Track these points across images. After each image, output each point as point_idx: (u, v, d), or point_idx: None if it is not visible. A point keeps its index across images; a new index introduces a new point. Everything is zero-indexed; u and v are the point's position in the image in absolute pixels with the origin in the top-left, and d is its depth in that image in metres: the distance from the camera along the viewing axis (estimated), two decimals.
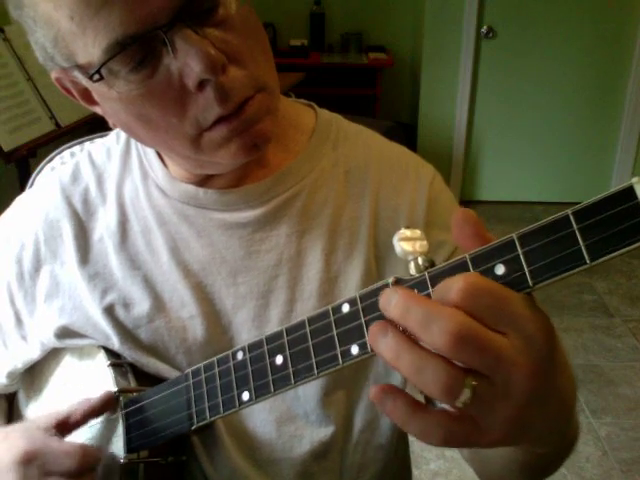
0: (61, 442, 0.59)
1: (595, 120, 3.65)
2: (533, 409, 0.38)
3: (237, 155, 0.59)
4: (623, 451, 2.10)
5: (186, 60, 0.52)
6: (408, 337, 0.38)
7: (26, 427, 0.61)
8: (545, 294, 2.95)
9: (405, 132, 3.68)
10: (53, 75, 0.60)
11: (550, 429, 0.43)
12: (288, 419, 0.66)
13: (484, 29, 3.52)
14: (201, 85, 0.53)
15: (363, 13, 4.00)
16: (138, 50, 0.52)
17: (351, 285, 0.66)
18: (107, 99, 0.58)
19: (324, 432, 0.66)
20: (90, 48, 0.52)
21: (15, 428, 0.62)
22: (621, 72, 3.54)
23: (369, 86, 3.85)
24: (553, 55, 3.53)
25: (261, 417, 0.66)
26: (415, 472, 1.93)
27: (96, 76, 0.54)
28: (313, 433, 0.66)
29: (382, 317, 0.43)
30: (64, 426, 0.61)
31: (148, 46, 0.52)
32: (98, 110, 0.62)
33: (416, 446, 2.09)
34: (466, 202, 3.88)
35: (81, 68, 0.55)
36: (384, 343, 0.38)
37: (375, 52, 3.89)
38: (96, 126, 0.59)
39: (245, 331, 0.66)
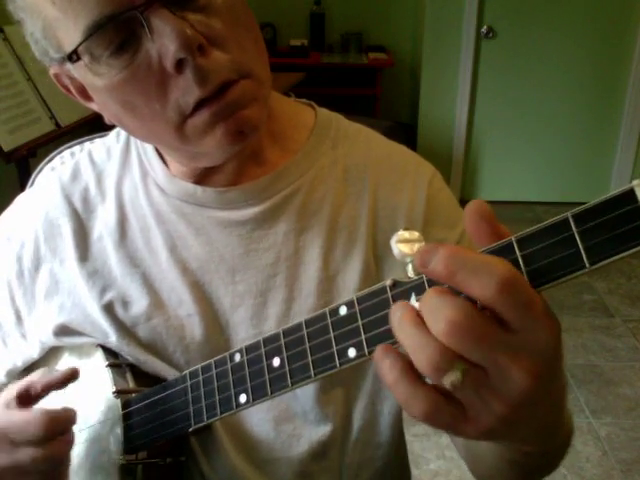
0: (22, 412, 0.58)
1: (595, 120, 3.65)
2: (525, 410, 0.38)
3: (222, 142, 0.58)
4: (623, 451, 2.09)
5: (162, 40, 0.52)
6: (413, 314, 0.38)
7: None
8: (545, 293, 2.94)
9: (405, 132, 3.68)
10: (51, 72, 0.61)
11: (537, 430, 0.43)
12: (286, 418, 0.66)
13: (484, 29, 3.51)
14: (180, 67, 0.53)
15: (363, 13, 4.00)
16: (117, 32, 0.52)
17: (350, 283, 0.66)
18: (95, 90, 0.58)
19: (322, 431, 0.66)
20: (72, 32, 0.53)
21: None
22: (621, 72, 3.54)
23: (369, 86, 3.85)
24: (553, 55, 3.53)
25: (259, 416, 0.66)
26: (415, 472, 1.92)
27: (74, 56, 0.54)
28: (312, 432, 0.66)
29: (379, 319, 0.43)
30: (24, 398, 0.60)
31: (127, 28, 0.52)
32: (95, 107, 0.63)
33: (416, 446, 2.09)
34: (466, 202, 3.86)
35: (69, 57, 0.55)
36: (395, 317, 0.38)
37: (375, 52, 3.88)
38: (96, 126, 0.60)
39: (243, 330, 0.66)
